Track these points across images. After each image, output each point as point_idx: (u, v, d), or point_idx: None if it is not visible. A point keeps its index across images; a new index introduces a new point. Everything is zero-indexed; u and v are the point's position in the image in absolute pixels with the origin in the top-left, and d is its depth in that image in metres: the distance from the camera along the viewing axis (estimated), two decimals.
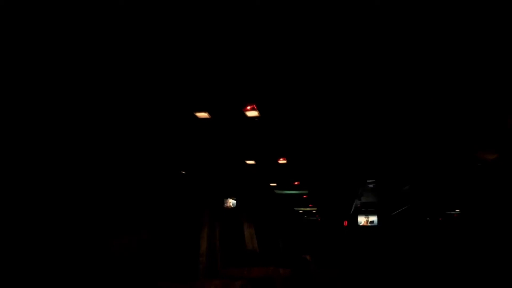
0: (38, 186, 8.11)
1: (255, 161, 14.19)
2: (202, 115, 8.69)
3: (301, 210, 38.71)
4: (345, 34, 5.48)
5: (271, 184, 20.77)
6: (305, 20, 5.12)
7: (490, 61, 6.21)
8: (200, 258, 14.87)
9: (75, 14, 4.88)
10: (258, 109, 8.30)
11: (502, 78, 6.84)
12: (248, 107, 8.23)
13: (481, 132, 9.94)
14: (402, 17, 4.99)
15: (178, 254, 14.49)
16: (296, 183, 20.16)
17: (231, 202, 19.25)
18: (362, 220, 30.31)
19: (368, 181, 18.37)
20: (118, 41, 5.64)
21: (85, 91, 7.19)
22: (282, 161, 14.01)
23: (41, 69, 6.27)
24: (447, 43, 5.66)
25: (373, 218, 30.11)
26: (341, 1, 4.68)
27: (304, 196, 26.03)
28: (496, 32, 5.31)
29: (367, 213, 30.13)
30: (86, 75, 6.62)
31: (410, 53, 5.99)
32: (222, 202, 17.59)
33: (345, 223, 36.57)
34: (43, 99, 7.17)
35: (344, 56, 6.17)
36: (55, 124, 8.12)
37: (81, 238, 9.44)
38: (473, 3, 4.67)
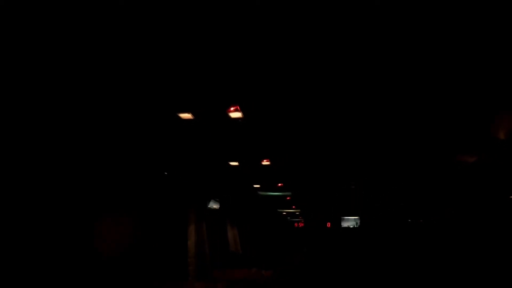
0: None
1: (238, 162, 14.17)
2: (186, 116, 8.64)
3: (285, 211, 38.82)
4: (325, 39, 5.52)
5: (255, 186, 20.78)
6: (287, 25, 5.15)
7: (471, 71, 6.32)
8: (189, 259, 14.83)
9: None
10: (241, 110, 8.29)
11: (483, 87, 6.98)
12: (232, 108, 8.22)
13: (462, 138, 10.11)
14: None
15: (167, 255, 14.44)
16: (279, 184, 20.22)
17: (215, 204, 19.21)
18: (345, 221, 30.47)
19: (351, 183, 18.51)
20: (101, 41, 5.59)
21: (66, 92, 7.10)
22: (265, 162, 14.02)
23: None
24: (433, 52, 5.75)
25: (356, 219, 30.32)
26: (319, 9, 4.72)
27: (288, 198, 26.12)
28: (478, 40, 5.41)
29: (350, 215, 30.30)
30: (69, 76, 6.54)
31: (391, 58, 6.06)
32: (206, 203, 17.55)
33: (328, 224, 36.70)
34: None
35: (326, 60, 6.21)
36: (37, 124, 8.00)
37: (69, 239, 9.38)
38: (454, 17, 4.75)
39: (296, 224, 46.67)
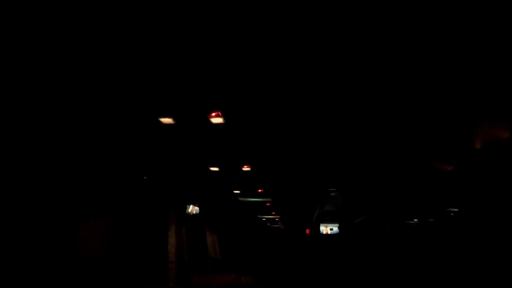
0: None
1: (219, 167, 14.13)
2: (167, 120, 8.59)
3: (264, 217, 38.79)
4: (307, 46, 5.56)
5: (235, 192, 20.72)
6: (269, 32, 5.17)
7: (451, 80, 6.44)
8: (170, 265, 14.73)
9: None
10: (223, 115, 8.28)
11: (462, 98, 7.12)
12: (213, 114, 8.21)
13: (440, 146, 10.29)
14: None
15: (146, 259, 14.35)
16: (259, 190, 20.20)
17: (194, 209, 19.10)
18: (324, 228, 30.63)
19: (330, 189, 18.61)
20: (83, 44, 5.52)
21: (47, 94, 7.00)
22: (246, 168, 14.01)
23: None
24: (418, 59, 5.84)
25: (335, 227, 30.50)
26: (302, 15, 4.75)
27: (268, 204, 26.10)
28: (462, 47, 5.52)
29: (329, 221, 30.47)
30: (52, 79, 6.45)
31: (372, 71, 6.14)
32: (185, 209, 17.44)
33: (308, 231, 36.81)
34: None
35: (306, 67, 6.26)
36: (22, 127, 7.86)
37: (51, 239, 9.30)
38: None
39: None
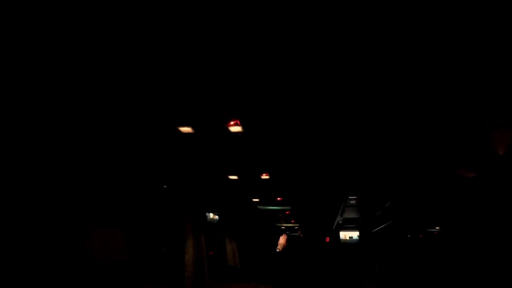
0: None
1: (238, 176, 14.17)
2: (186, 129, 8.68)
3: (284, 226, 38.66)
4: (321, 57, 5.57)
5: (254, 200, 20.73)
6: (288, 41, 5.20)
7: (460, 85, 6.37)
8: (186, 273, 14.71)
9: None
10: (241, 124, 8.33)
11: (478, 102, 7.02)
12: (232, 122, 8.26)
13: (462, 153, 10.13)
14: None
15: (164, 267, 14.38)
16: (278, 198, 20.17)
17: (214, 217, 19.16)
18: (344, 236, 30.35)
19: (350, 197, 18.48)
20: (99, 51, 5.64)
21: (66, 100, 7.14)
22: (265, 176, 14.01)
23: None
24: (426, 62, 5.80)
25: (355, 235, 30.19)
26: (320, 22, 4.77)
27: (287, 212, 26.03)
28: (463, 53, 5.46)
29: (349, 230, 30.19)
30: (71, 84, 6.59)
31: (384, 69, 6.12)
32: (205, 217, 17.50)
33: (327, 239, 36.56)
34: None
35: (326, 78, 6.27)
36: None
37: (64, 244, 9.44)
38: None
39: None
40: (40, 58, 5.66)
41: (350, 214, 25.12)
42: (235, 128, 8.53)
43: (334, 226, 30.84)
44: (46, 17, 4.69)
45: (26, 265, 8.39)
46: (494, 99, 6.99)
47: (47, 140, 8.37)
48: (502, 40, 5.13)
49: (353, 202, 19.75)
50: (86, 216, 10.63)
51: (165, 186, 13.88)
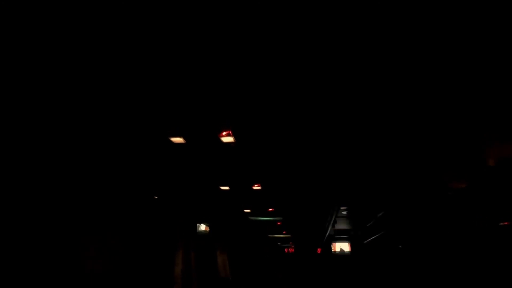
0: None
1: (229, 187, 14.12)
2: (177, 140, 8.64)
3: (275, 236, 38.52)
4: (315, 67, 5.59)
5: (245, 211, 20.65)
6: (280, 49, 5.22)
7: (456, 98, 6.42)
8: (175, 285, 14.57)
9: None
10: (233, 135, 8.31)
11: (475, 115, 7.09)
12: (224, 133, 8.24)
13: (453, 164, 10.19)
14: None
15: (153, 279, 14.20)
16: (270, 209, 20.11)
17: (205, 228, 19.02)
18: (335, 247, 30.24)
19: (341, 208, 18.47)
20: (94, 60, 5.61)
21: (61, 112, 7.09)
22: (256, 187, 13.98)
23: None
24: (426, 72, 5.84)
25: (346, 245, 30.11)
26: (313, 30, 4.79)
27: (278, 223, 25.95)
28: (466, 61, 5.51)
29: (340, 240, 30.11)
30: (65, 98, 6.54)
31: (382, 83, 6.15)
32: (195, 227, 17.36)
33: (319, 250, 36.42)
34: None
35: (317, 88, 6.29)
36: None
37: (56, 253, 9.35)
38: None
39: (286, 250, 46.28)
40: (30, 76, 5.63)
41: (341, 225, 25.12)
42: (227, 139, 8.52)
43: (326, 237, 30.75)
44: (37, 30, 4.67)
45: (16, 274, 8.27)
46: (486, 114, 7.05)
47: (39, 154, 8.29)
48: (493, 57, 5.20)
49: (344, 213, 19.75)
50: (74, 230, 10.51)
51: (156, 197, 13.78)
